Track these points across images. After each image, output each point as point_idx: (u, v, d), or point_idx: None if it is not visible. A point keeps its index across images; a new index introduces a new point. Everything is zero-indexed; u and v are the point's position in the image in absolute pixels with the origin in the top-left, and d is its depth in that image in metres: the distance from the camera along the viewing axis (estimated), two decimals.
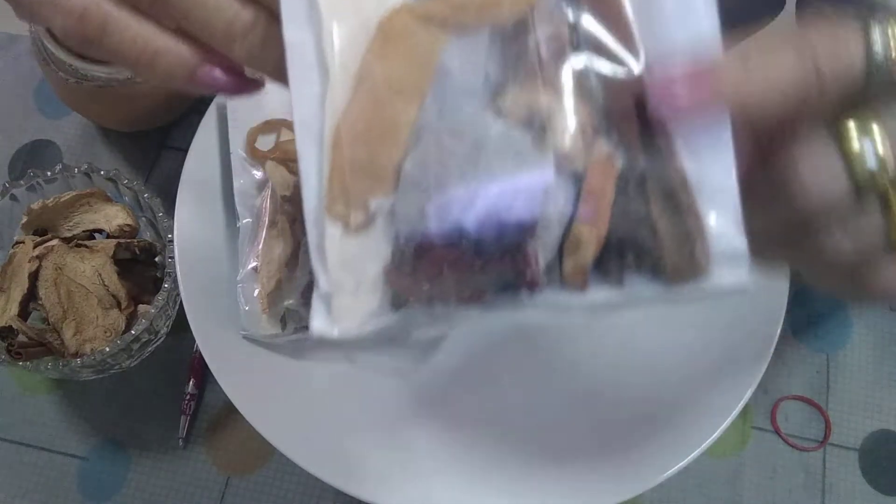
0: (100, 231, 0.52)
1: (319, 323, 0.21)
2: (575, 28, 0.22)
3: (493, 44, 0.22)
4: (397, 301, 0.22)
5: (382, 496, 0.43)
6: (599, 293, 0.22)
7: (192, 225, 0.48)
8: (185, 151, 0.49)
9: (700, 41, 0.22)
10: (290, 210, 0.46)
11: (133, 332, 0.47)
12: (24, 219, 0.51)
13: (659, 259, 0.22)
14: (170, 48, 0.23)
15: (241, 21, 0.22)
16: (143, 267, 0.52)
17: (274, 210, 0.47)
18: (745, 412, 0.53)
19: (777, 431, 0.53)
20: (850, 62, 0.21)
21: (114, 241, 0.50)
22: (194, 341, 0.52)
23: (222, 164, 0.50)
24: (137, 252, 0.51)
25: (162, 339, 0.52)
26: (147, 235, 0.53)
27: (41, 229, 0.52)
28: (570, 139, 0.21)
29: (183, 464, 0.52)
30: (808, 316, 0.56)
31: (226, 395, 0.43)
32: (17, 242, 0.50)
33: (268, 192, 0.48)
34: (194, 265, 0.47)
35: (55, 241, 0.50)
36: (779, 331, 0.45)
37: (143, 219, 0.53)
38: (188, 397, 0.53)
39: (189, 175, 0.49)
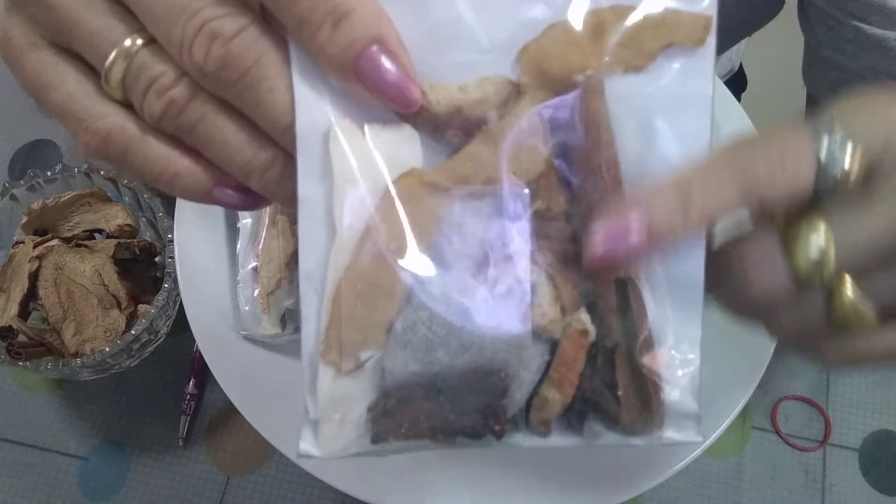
0: (100, 231, 0.52)
1: (306, 445, 0.24)
2: (567, 206, 0.24)
3: (490, 214, 0.24)
4: (377, 436, 0.24)
5: (382, 497, 0.43)
6: (560, 439, 0.25)
7: (192, 225, 0.48)
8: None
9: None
10: (290, 210, 0.46)
11: (133, 332, 0.47)
12: (24, 219, 0.51)
13: (617, 419, 0.24)
14: (188, 171, 0.23)
15: (258, 161, 0.23)
16: (143, 267, 0.52)
17: (274, 210, 0.47)
18: (745, 412, 0.53)
19: (777, 431, 0.53)
20: (798, 183, 0.22)
21: (114, 241, 0.50)
22: (194, 341, 0.52)
23: None
24: (137, 252, 0.51)
25: (162, 339, 0.52)
26: (147, 235, 0.53)
27: (41, 229, 0.52)
28: (551, 313, 0.24)
29: (183, 464, 0.52)
30: None
31: (226, 395, 0.43)
32: (17, 242, 0.50)
33: None
34: (194, 265, 0.47)
35: (55, 241, 0.50)
36: None
37: (143, 219, 0.53)
38: (188, 397, 0.53)
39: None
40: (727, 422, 0.43)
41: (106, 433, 0.53)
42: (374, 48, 0.21)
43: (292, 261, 0.46)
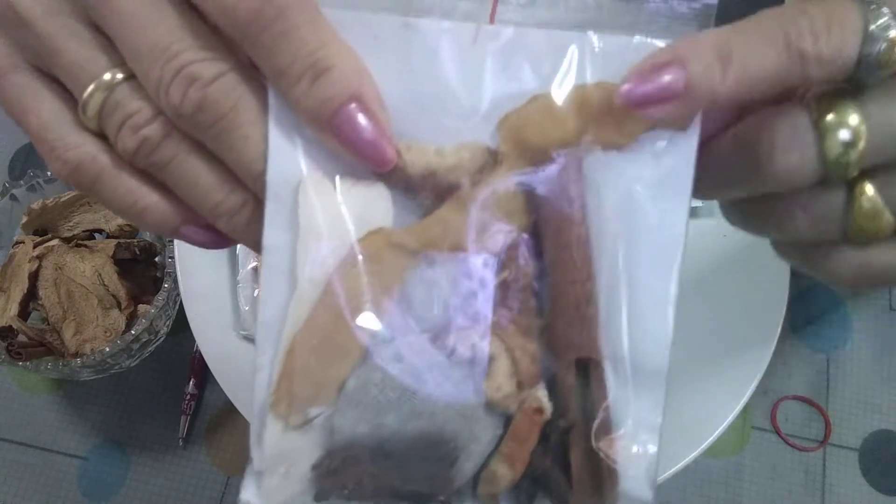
0: (100, 231, 0.52)
1: (248, 495, 0.24)
2: (533, 279, 0.24)
3: (455, 280, 0.23)
4: (320, 494, 0.24)
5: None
6: None
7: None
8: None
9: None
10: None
11: (133, 332, 0.47)
12: (24, 219, 0.51)
13: (567, 501, 0.24)
14: (156, 207, 0.24)
15: (228, 204, 0.23)
16: (143, 267, 0.52)
17: None
18: (745, 412, 0.53)
19: (777, 431, 0.53)
20: (842, 53, 0.21)
21: (114, 241, 0.50)
22: (194, 341, 0.52)
23: None
24: (137, 252, 0.51)
25: (162, 339, 0.52)
26: (147, 235, 0.53)
27: (41, 229, 0.52)
28: (507, 387, 0.23)
29: (183, 464, 0.52)
30: (807, 316, 0.56)
31: (226, 395, 0.43)
32: (17, 242, 0.51)
33: None
34: (194, 265, 0.47)
35: (55, 241, 0.50)
36: (779, 331, 0.45)
37: None
38: (188, 397, 0.53)
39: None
40: (727, 422, 0.43)
41: (106, 433, 0.53)
42: (352, 106, 0.21)
43: None
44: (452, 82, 0.23)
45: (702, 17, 0.24)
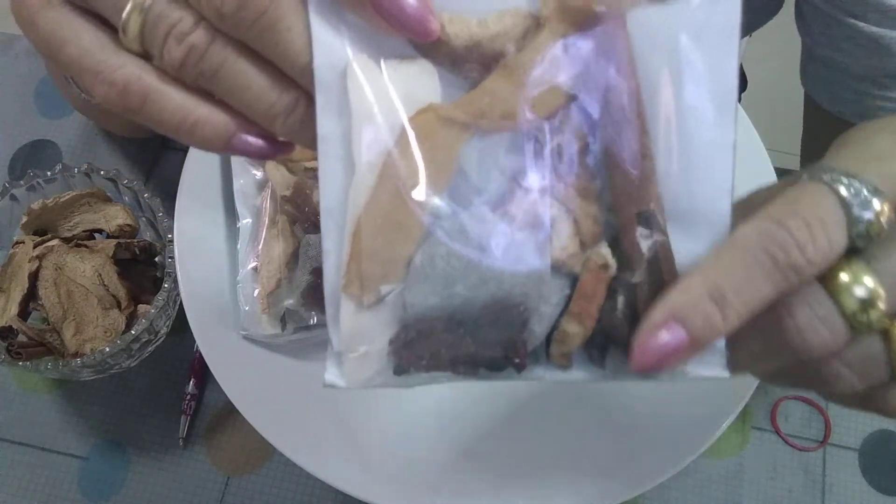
0: (100, 231, 0.52)
1: (331, 376, 0.24)
2: (587, 140, 0.24)
3: (510, 148, 0.24)
4: (399, 368, 0.24)
5: (382, 496, 0.43)
6: (582, 372, 0.25)
7: (192, 225, 0.48)
8: (186, 152, 0.49)
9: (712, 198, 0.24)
10: (290, 210, 0.46)
11: (133, 332, 0.47)
12: (24, 219, 0.51)
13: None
14: (208, 119, 0.23)
15: (281, 104, 0.23)
16: (143, 267, 0.52)
17: (274, 210, 0.47)
18: (745, 412, 0.53)
19: (777, 431, 0.53)
20: (833, 248, 0.22)
21: (114, 241, 0.50)
22: (194, 341, 0.52)
23: (222, 164, 0.50)
24: (137, 252, 0.51)
25: (162, 339, 0.52)
26: (147, 235, 0.53)
27: (41, 229, 0.52)
28: (570, 247, 0.24)
29: (183, 464, 0.52)
30: None
31: (226, 395, 0.43)
32: (17, 242, 0.50)
33: (268, 192, 0.48)
34: (194, 265, 0.47)
35: (55, 241, 0.50)
36: None
37: (143, 219, 0.53)
38: (188, 397, 0.53)
39: (189, 175, 0.49)
40: (727, 422, 0.43)
41: (106, 433, 0.53)
42: None
43: (292, 261, 0.46)
44: None
45: None
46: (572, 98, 0.24)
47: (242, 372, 0.45)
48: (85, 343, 0.48)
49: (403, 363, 0.24)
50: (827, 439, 0.53)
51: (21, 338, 0.48)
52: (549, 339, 0.24)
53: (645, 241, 0.24)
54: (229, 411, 0.53)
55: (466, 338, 0.24)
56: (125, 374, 0.53)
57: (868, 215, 0.22)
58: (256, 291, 0.46)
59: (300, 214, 0.46)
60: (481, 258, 0.23)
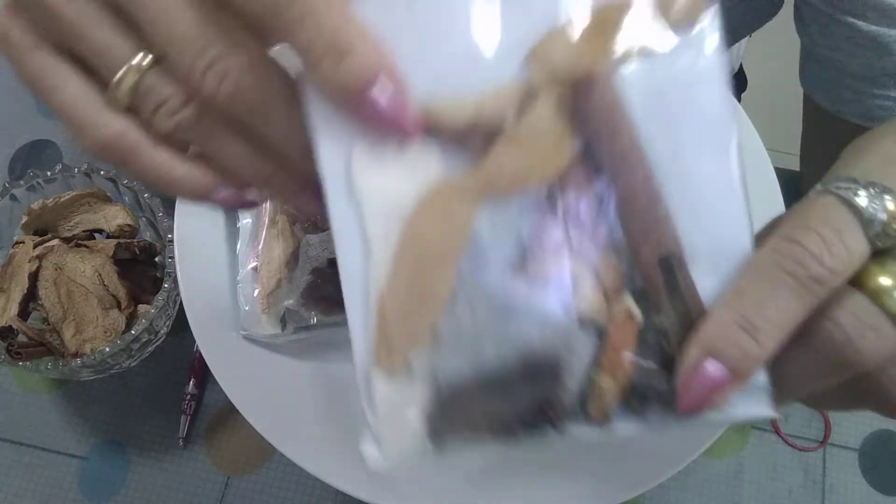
0: (100, 231, 0.52)
1: (371, 455, 0.25)
2: (598, 192, 0.24)
3: (522, 211, 0.24)
4: (436, 439, 0.25)
5: (382, 496, 0.43)
6: (623, 425, 0.25)
7: (192, 225, 0.48)
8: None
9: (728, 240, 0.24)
10: (290, 210, 0.46)
11: (133, 332, 0.47)
12: (24, 219, 0.51)
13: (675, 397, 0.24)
14: (190, 176, 0.25)
15: (267, 170, 0.24)
16: (143, 267, 0.52)
17: (274, 210, 0.47)
18: None
19: (777, 431, 0.53)
20: (853, 254, 0.22)
21: (114, 241, 0.50)
22: (194, 341, 0.52)
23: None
24: (137, 252, 0.51)
25: (162, 339, 0.52)
26: (147, 235, 0.53)
27: (41, 229, 0.52)
28: (594, 300, 0.24)
29: (183, 464, 0.52)
30: None
31: (226, 395, 0.43)
32: (17, 242, 0.51)
33: None
34: (194, 265, 0.47)
35: (55, 241, 0.50)
36: None
37: (143, 219, 0.53)
38: (188, 397, 0.53)
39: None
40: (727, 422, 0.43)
41: (106, 433, 0.53)
42: (373, 86, 0.22)
43: (292, 260, 0.46)
44: (472, 30, 0.23)
45: None
46: (578, 155, 0.24)
47: (242, 372, 0.45)
48: (85, 343, 0.48)
49: (440, 433, 0.24)
50: (827, 439, 0.53)
51: (21, 338, 0.48)
52: (583, 397, 0.24)
53: (668, 285, 0.24)
54: (229, 411, 0.53)
55: (501, 400, 0.24)
56: (125, 374, 0.53)
57: (882, 216, 0.22)
58: (256, 291, 0.46)
59: (300, 214, 0.46)
60: (507, 320, 0.24)
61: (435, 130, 0.24)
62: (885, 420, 0.54)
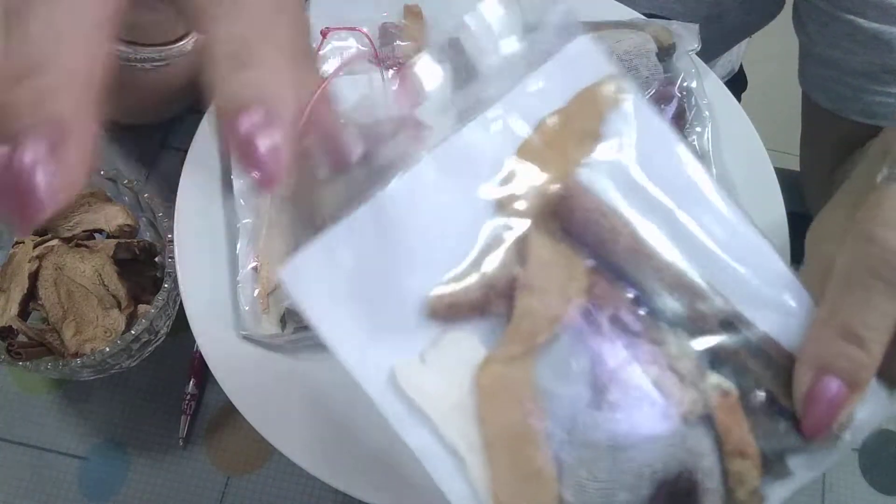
0: (100, 231, 0.52)
1: None
2: (629, 294, 0.24)
3: (574, 346, 0.24)
4: None
5: (382, 496, 0.43)
6: (777, 493, 0.24)
7: (192, 225, 0.48)
8: (185, 151, 0.49)
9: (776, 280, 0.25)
10: (290, 210, 0.46)
11: (133, 332, 0.47)
12: None
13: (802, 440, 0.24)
14: None
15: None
16: (143, 267, 0.52)
17: (274, 210, 0.47)
18: None
19: None
20: None
21: (114, 241, 0.50)
22: (194, 341, 0.52)
23: (222, 164, 0.50)
24: (137, 252, 0.51)
25: (162, 339, 0.52)
26: (147, 235, 0.53)
27: (41, 229, 0.52)
28: (685, 395, 0.24)
29: (183, 464, 0.52)
30: None
31: (226, 395, 0.43)
32: (17, 242, 0.50)
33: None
34: (194, 265, 0.47)
35: (55, 241, 0.50)
36: None
37: (143, 219, 0.53)
38: (188, 397, 0.53)
39: (189, 175, 0.49)
40: None
41: (106, 433, 0.53)
42: (261, 112, 0.20)
43: None
44: (445, 222, 0.24)
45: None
46: (593, 269, 0.24)
47: (242, 372, 0.45)
48: (85, 343, 0.48)
49: None
50: None
51: (21, 338, 0.48)
52: (730, 490, 0.24)
53: (740, 343, 0.24)
54: (229, 411, 0.53)
55: None
56: (125, 374, 0.53)
57: None
58: (256, 291, 0.46)
59: (300, 215, 0.46)
60: (621, 459, 0.23)
61: (456, 313, 0.24)
62: (886, 420, 0.54)
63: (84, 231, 0.51)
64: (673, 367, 0.24)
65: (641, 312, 0.24)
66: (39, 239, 0.50)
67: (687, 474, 0.24)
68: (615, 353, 0.24)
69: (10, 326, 0.47)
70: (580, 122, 0.25)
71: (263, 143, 0.20)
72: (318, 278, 0.24)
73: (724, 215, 0.25)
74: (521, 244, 0.24)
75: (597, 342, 0.24)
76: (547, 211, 0.24)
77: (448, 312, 0.24)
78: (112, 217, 0.51)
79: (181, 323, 0.47)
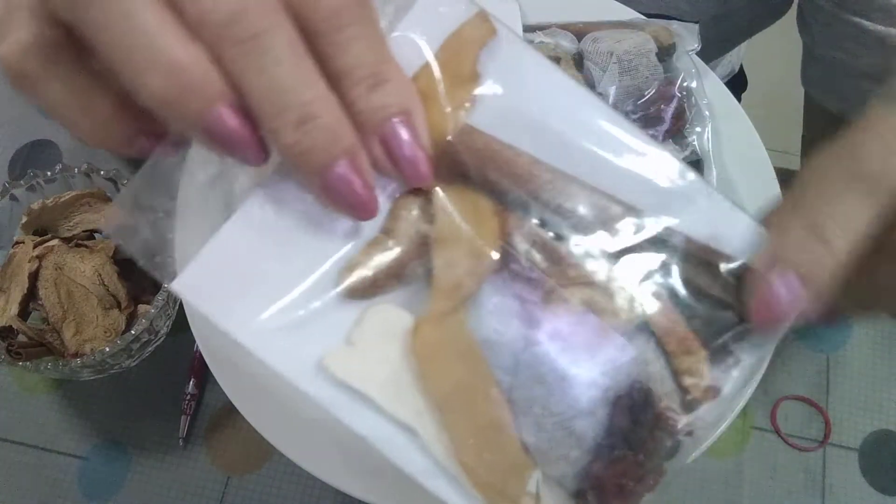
0: (100, 231, 0.52)
1: None
2: (547, 220, 0.24)
3: (496, 291, 0.24)
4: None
5: (382, 496, 0.43)
6: (730, 378, 0.24)
7: (193, 224, 0.48)
8: (185, 152, 0.49)
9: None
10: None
11: (133, 332, 0.47)
12: (24, 219, 0.51)
13: (740, 312, 0.24)
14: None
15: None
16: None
17: None
18: (745, 412, 0.53)
19: (777, 431, 0.53)
20: None
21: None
22: (194, 341, 0.52)
23: (222, 164, 0.50)
24: None
25: (162, 339, 0.52)
26: None
27: (41, 229, 0.52)
28: (621, 309, 0.24)
29: (183, 464, 0.52)
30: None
31: (226, 395, 0.43)
32: (17, 242, 0.50)
33: None
34: None
35: (55, 241, 0.50)
36: None
37: None
38: (188, 397, 0.53)
39: (189, 175, 0.49)
40: (727, 422, 0.43)
41: (106, 433, 0.53)
42: (400, 118, 0.22)
43: None
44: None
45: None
46: (501, 208, 0.24)
47: (242, 372, 0.45)
48: (85, 343, 0.48)
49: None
50: (827, 439, 0.53)
51: (21, 338, 0.48)
52: (683, 387, 0.24)
53: (653, 245, 0.24)
54: (229, 411, 0.53)
55: (627, 452, 0.24)
56: (125, 374, 0.53)
57: None
58: None
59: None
60: (572, 386, 0.23)
61: (373, 286, 0.23)
62: (886, 420, 0.54)
63: (84, 231, 0.51)
64: (597, 283, 0.24)
65: (555, 237, 0.24)
66: (39, 239, 0.50)
67: (638, 385, 0.24)
68: (539, 285, 0.24)
69: (10, 326, 0.47)
70: (454, 68, 0.24)
71: (411, 147, 0.22)
72: (217, 283, 0.23)
73: (611, 129, 0.24)
74: (425, 201, 0.24)
75: (519, 280, 0.24)
76: (442, 163, 0.24)
77: (365, 287, 0.23)
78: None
79: (181, 323, 0.47)
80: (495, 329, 0.24)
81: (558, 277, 0.24)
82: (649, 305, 0.24)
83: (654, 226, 0.24)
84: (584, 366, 0.23)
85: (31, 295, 0.49)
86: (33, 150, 0.61)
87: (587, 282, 0.24)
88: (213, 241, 0.23)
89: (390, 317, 0.24)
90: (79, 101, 0.23)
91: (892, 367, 0.55)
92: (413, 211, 0.24)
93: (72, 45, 0.22)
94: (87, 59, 0.22)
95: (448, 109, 0.24)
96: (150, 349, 0.51)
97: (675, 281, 0.24)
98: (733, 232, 0.24)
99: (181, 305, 0.46)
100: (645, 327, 0.24)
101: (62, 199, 0.50)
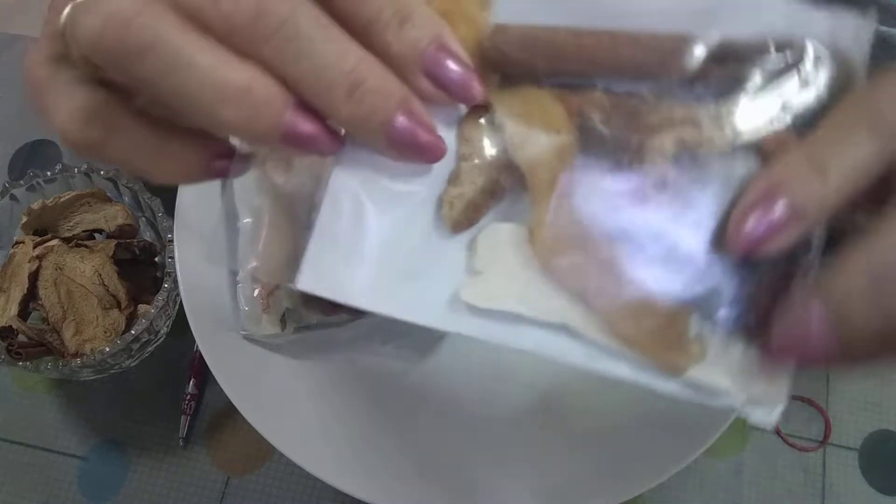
0: (100, 231, 0.52)
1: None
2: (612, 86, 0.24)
3: (591, 159, 0.24)
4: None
5: (382, 496, 0.43)
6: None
7: (192, 224, 0.48)
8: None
9: None
10: (290, 209, 0.46)
11: (133, 332, 0.47)
12: (24, 219, 0.51)
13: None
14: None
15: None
16: (143, 267, 0.52)
17: (274, 210, 0.47)
18: None
19: (777, 431, 0.53)
20: None
21: (114, 241, 0.50)
22: (194, 341, 0.52)
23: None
24: (137, 252, 0.51)
25: (162, 339, 0.52)
26: (147, 235, 0.53)
27: (41, 229, 0.52)
28: (712, 134, 0.23)
29: (183, 464, 0.52)
30: None
31: (226, 395, 0.43)
32: (17, 242, 0.50)
33: (268, 191, 0.47)
34: (194, 265, 0.47)
35: (55, 241, 0.50)
36: None
37: (143, 219, 0.53)
38: (188, 397, 0.53)
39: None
40: (727, 422, 0.43)
41: (106, 433, 0.53)
42: (437, 45, 0.22)
43: (292, 260, 0.46)
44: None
45: None
46: (559, 92, 0.24)
47: (242, 372, 0.45)
48: (85, 343, 0.48)
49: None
50: (827, 439, 0.53)
51: (21, 338, 0.48)
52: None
53: (734, 68, 0.24)
54: (229, 411, 0.53)
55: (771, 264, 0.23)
56: (125, 374, 0.53)
57: None
58: (256, 291, 0.46)
59: (300, 214, 0.46)
60: (697, 227, 0.23)
61: (475, 211, 0.24)
62: (885, 420, 0.54)
63: (84, 231, 0.51)
64: (682, 119, 0.24)
65: (625, 94, 0.24)
66: (39, 239, 0.50)
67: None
68: (626, 145, 0.24)
69: (10, 326, 0.47)
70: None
71: (457, 70, 0.23)
72: (332, 268, 0.24)
73: None
74: (488, 115, 0.24)
75: (606, 147, 0.24)
76: (486, 70, 0.24)
77: (467, 215, 0.24)
78: (112, 217, 0.51)
79: (181, 323, 0.47)
80: (599, 204, 0.24)
81: (642, 131, 0.24)
82: (739, 121, 0.23)
83: (713, 43, 0.24)
84: (700, 203, 0.23)
85: (31, 295, 0.49)
86: (33, 150, 0.61)
87: (671, 122, 0.24)
88: (315, 233, 0.23)
89: (501, 234, 0.24)
90: (149, 149, 0.23)
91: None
92: (480, 129, 0.24)
93: (123, 99, 0.23)
94: (137, 103, 0.23)
95: (476, 16, 0.24)
96: (150, 349, 0.51)
97: (753, 89, 0.24)
98: (804, 30, 0.24)
99: (181, 305, 0.46)
100: (741, 146, 0.24)
101: (62, 199, 0.50)
